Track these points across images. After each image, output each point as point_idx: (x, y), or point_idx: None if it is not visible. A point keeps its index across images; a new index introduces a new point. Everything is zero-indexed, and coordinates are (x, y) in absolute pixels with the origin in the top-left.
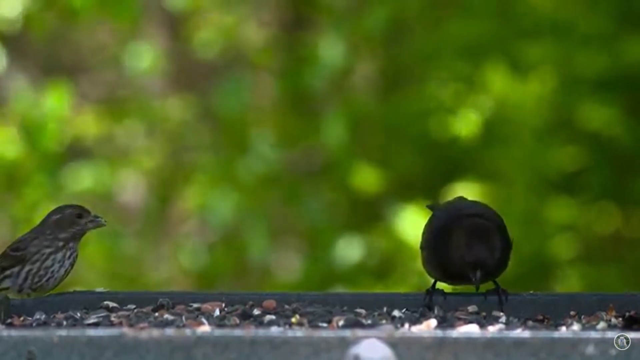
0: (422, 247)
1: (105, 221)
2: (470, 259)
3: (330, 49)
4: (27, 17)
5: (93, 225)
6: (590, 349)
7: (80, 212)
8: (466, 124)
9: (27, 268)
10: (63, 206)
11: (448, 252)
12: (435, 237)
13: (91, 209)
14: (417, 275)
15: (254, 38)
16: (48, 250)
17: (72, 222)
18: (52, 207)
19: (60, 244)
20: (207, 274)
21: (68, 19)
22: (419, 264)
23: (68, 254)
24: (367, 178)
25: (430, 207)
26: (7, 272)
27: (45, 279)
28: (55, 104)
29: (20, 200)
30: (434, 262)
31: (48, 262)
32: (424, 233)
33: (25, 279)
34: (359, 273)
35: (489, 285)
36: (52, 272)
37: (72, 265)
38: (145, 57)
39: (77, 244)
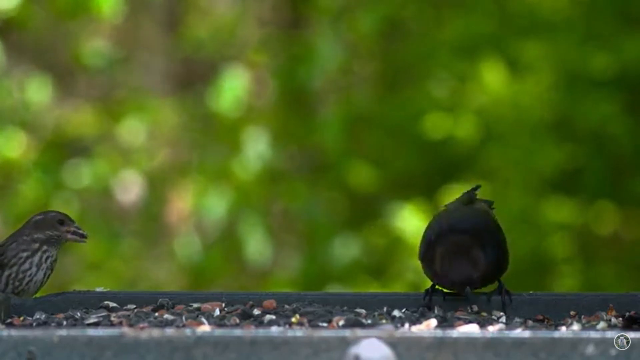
0: (419, 259)
1: (87, 235)
2: (456, 279)
3: (326, 48)
4: (19, 12)
5: (72, 238)
6: (590, 349)
7: (62, 219)
8: (463, 122)
9: (6, 273)
10: (48, 210)
11: (436, 269)
12: (426, 251)
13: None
14: (413, 273)
15: (251, 36)
16: (25, 254)
17: (51, 225)
18: (51, 205)
19: (36, 245)
20: (204, 273)
21: (58, 18)
22: (415, 261)
23: (45, 257)
24: (364, 176)
25: (446, 207)
26: None
27: (25, 282)
28: (35, 95)
29: (18, 198)
30: (430, 274)
31: (25, 266)
32: (420, 244)
33: (7, 284)
34: (356, 270)
35: (493, 285)
36: (31, 275)
37: (51, 269)
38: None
39: (55, 250)
